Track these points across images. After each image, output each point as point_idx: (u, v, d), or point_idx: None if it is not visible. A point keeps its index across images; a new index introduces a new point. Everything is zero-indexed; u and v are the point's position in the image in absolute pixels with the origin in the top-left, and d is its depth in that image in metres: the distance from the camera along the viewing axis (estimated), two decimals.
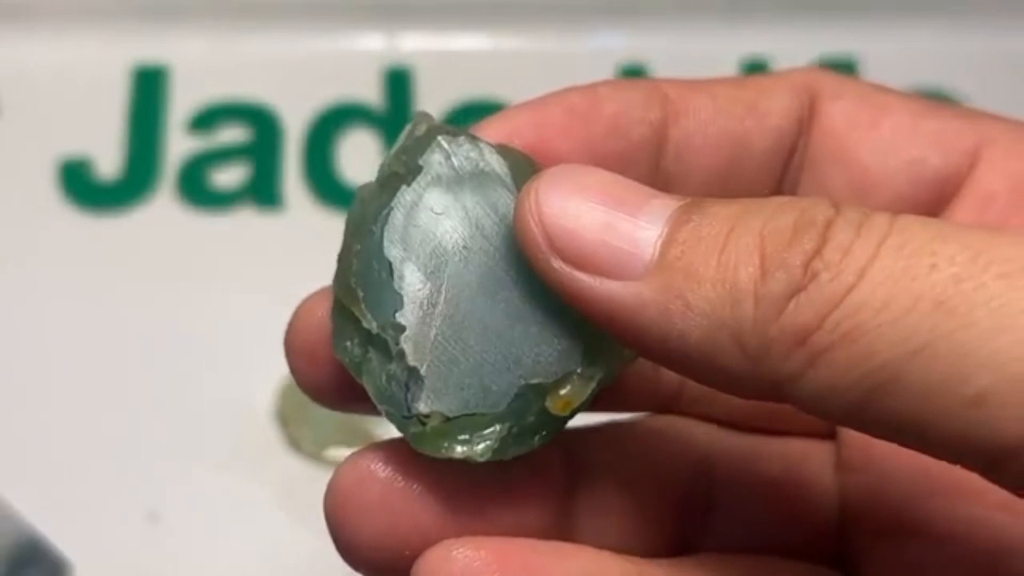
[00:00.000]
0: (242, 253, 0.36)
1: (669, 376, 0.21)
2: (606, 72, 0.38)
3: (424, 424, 0.18)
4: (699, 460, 0.21)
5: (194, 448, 0.33)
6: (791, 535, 0.21)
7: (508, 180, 0.18)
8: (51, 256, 0.36)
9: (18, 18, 0.39)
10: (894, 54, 0.39)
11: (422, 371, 0.18)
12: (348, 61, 0.39)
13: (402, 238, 0.18)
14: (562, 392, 0.18)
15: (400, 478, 0.18)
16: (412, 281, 0.18)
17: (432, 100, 0.39)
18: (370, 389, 0.18)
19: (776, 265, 0.16)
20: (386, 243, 0.18)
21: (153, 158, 0.38)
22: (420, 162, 0.18)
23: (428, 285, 0.18)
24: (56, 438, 0.33)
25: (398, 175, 0.18)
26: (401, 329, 0.18)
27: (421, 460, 0.18)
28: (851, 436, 0.21)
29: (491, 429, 0.18)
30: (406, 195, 0.18)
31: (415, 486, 0.18)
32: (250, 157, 0.38)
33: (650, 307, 0.16)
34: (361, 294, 0.18)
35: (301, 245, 0.37)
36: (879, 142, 0.20)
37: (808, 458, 0.22)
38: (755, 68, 0.39)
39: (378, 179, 0.18)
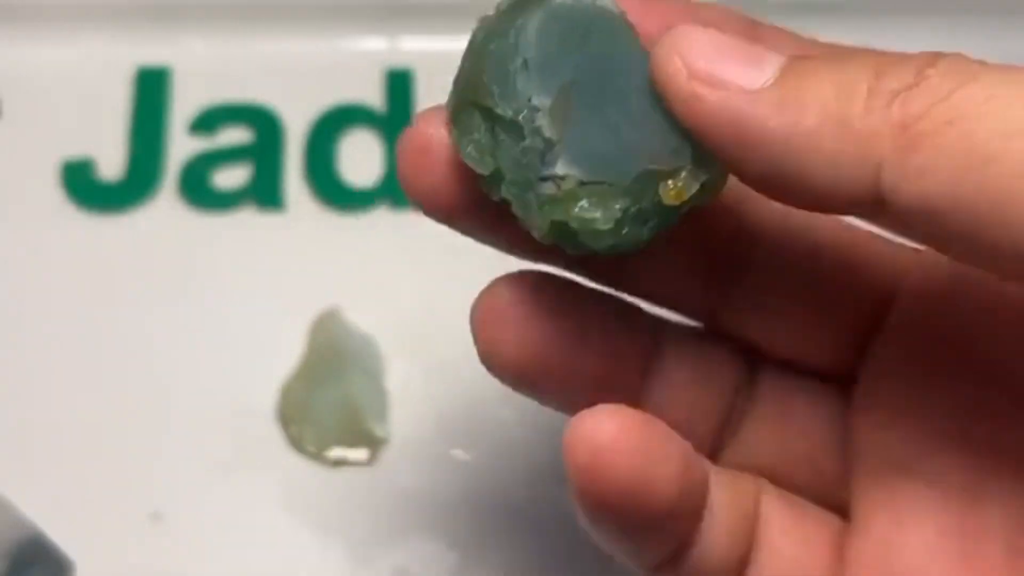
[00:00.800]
0: (244, 253, 0.36)
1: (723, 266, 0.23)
2: None
3: (559, 186, 0.20)
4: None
5: (196, 448, 0.33)
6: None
7: (621, 15, 0.21)
8: (54, 256, 0.36)
9: (20, 19, 0.39)
10: None
11: (557, 141, 0.20)
12: (349, 63, 0.40)
13: (537, 42, 0.20)
14: (674, 182, 0.20)
15: (529, 297, 0.22)
16: (545, 78, 0.20)
17: (433, 101, 0.39)
18: (504, 164, 0.20)
19: (889, 70, 0.17)
20: (522, 44, 0.20)
21: (155, 159, 0.38)
22: None
23: (560, 83, 0.20)
24: (58, 438, 0.33)
25: (523, 1, 0.21)
26: (536, 109, 0.20)
27: (547, 286, 0.22)
28: (876, 363, 0.23)
29: (616, 203, 0.20)
30: (536, 13, 0.20)
31: (539, 304, 0.22)
32: (252, 158, 0.38)
33: (767, 109, 0.18)
34: (496, 89, 0.20)
35: (302, 245, 0.37)
36: None
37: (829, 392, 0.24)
38: None
39: (500, 8, 0.21)
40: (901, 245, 0.23)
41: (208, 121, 0.38)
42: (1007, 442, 0.21)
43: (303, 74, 0.39)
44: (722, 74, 0.19)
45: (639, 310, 0.24)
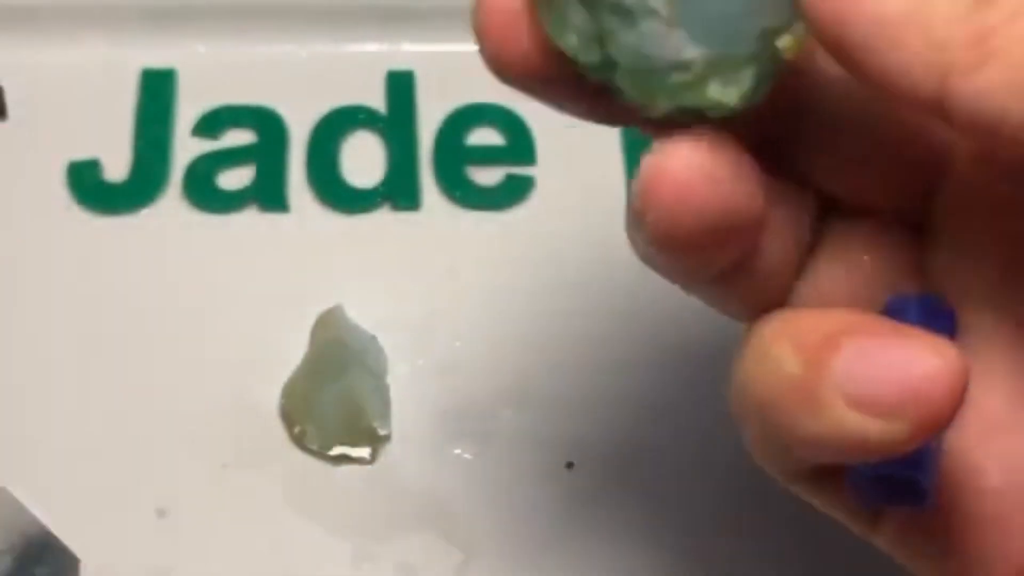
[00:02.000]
0: (247, 254, 0.37)
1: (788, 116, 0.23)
2: None
3: (688, 68, 0.19)
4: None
5: (200, 445, 0.33)
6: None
7: None
8: (59, 256, 0.36)
9: (26, 22, 0.39)
10: None
11: (677, 22, 0.19)
12: (351, 65, 0.40)
13: None
14: (791, 36, 0.19)
15: None
16: None
17: (435, 103, 0.39)
18: (619, 52, 0.19)
19: None
20: None
21: (160, 161, 0.38)
22: None
23: None
24: (64, 436, 0.34)
25: None
26: None
27: None
28: (943, 218, 0.22)
29: (745, 73, 0.19)
30: None
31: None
32: (255, 160, 0.38)
33: None
34: None
35: (305, 246, 0.37)
36: None
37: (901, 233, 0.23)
38: None
39: None
40: None
41: (212, 123, 0.39)
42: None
43: (305, 76, 0.40)
44: None
45: None
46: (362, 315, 0.35)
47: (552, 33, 0.20)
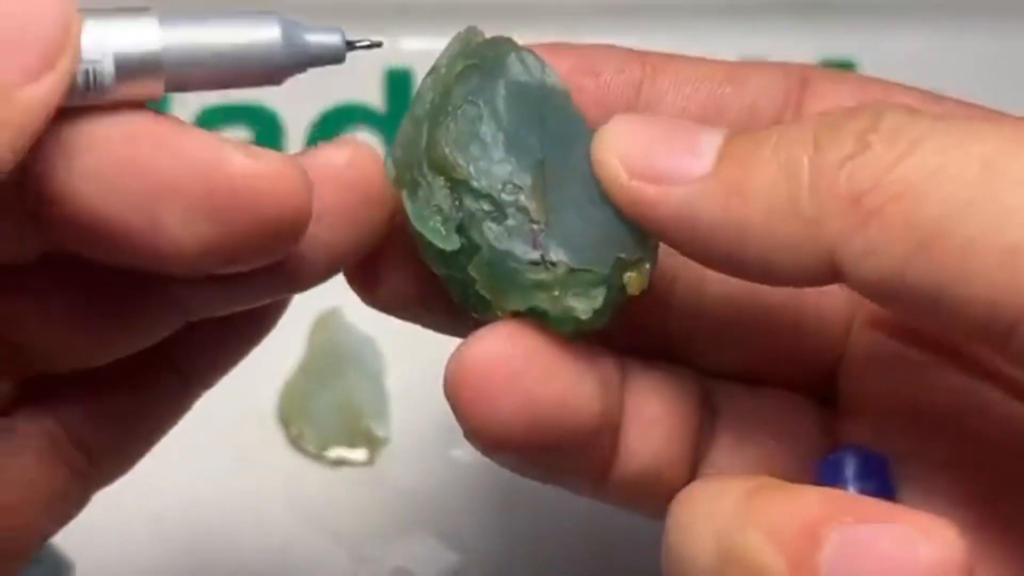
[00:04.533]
0: None
1: (677, 327, 0.22)
2: None
3: (551, 270, 0.19)
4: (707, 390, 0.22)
5: (196, 448, 0.33)
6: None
7: (566, 93, 0.20)
8: None
9: None
10: (894, 54, 0.39)
11: (546, 225, 0.19)
12: (348, 62, 0.39)
13: (507, 115, 0.20)
14: (638, 272, 0.20)
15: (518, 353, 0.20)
16: (520, 154, 0.19)
17: None
18: (481, 241, 0.19)
19: (830, 139, 0.17)
20: (493, 115, 0.20)
21: None
22: (499, 63, 0.20)
23: (532, 161, 0.19)
24: None
25: (477, 67, 0.20)
26: (519, 188, 0.19)
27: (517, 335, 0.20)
28: (849, 390, 0.22)
29: (596, 292, 0.19)
30: (499, 83, 0.20)
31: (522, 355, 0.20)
32: None
33: (712, 202, 0.17)
34: (465, 162, 0.19)
35: None
36: None
37: (803, 404, 0.23)
38: None
39: (447, 67, 0.20)
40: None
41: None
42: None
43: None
44: (660, 167, 0.18)
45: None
46: (360, 316, 0.35)
47: (415, 221, 0.20)
